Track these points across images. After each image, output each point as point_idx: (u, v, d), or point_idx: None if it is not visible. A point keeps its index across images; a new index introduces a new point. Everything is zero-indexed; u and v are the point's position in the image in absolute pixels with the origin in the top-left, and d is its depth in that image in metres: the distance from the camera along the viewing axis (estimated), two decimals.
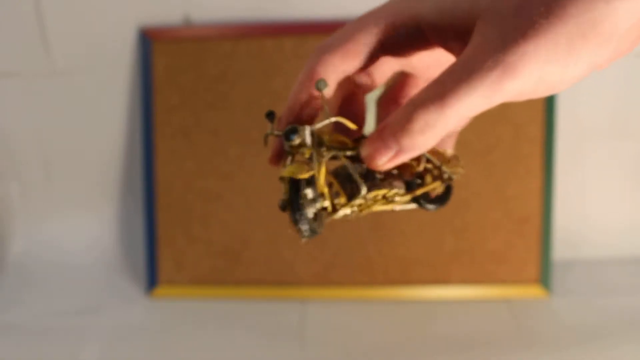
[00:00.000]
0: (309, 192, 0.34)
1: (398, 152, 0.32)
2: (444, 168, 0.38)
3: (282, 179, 0.34)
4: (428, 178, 0.39)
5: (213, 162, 0.80)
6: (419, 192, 0.39)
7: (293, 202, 0.34)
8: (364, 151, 0.34)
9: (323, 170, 0.35)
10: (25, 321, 0.76)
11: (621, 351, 0.66)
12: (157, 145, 0.80)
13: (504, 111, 0.77)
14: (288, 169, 0.34)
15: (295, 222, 0.34)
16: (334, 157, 0.36)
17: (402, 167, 0.39)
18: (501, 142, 0.77)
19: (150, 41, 0.80)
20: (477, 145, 0.77)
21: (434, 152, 0.39)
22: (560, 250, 0.81)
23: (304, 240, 0.34)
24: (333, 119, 0.34)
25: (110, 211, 0.88)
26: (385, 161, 0.33)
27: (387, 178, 0.38)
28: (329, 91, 0.35)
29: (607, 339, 0.68)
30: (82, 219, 0.88)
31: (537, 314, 0.74)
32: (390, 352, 0.68)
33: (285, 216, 0.34)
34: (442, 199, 0.40)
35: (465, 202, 0.78)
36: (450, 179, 0.39)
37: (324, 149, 0.35)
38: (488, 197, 0.78)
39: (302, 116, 0.36)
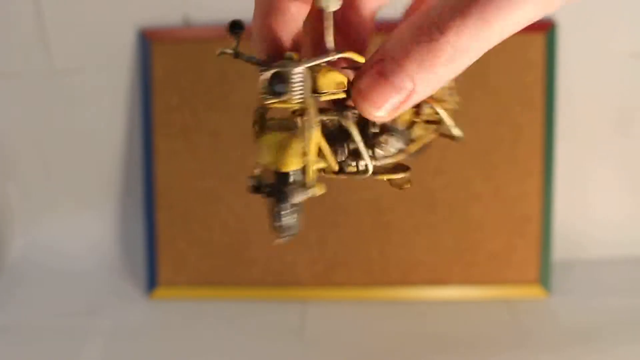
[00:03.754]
0: (298, 175, 0.25)
1: (411, 94, 0.22)
2: (439, 108, 0.28)
3: (258, 164, 0.26)
4: (418, 127, 0.28)
5: (213, 163, 0.80)
6: (414, 148, 0.28)
7: (279, 194, 0.25)
8: (359, 96, 0.23)
9: (317, 136, 0.25)
10: (25, 322, 0.75)
11: (621, 351, 0.66)
12: (156, 146, 0.80)
13: (504, 112, 0.77)
14: (266, 145, 0.25)
15: (278, 217, 0.26)
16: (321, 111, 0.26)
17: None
18: (501, 143, 0.77)
19: (149, 42, 0.79)
20: (477, 146, 0.77)
21: None
22: (560, 250, 0.81)
23: (282, 240, 0.27)
24: (336, 55, 0.24)
25: (110, 212, 0.88)
26: (389, 109, 0.23)
27: (383, 132, 0.27)
28: (337, 3, 0.23)
29: (606, 340, 0.68)
30: (82, 220, 0.88)
31: (537, 315, 0.74)
32: (390, 353, 0.68)
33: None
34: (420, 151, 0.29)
35: (465, 203, 0.78)
36: (452, 135, 0.29)
37: (317, 98, 0.25)
38: (488, 197, 0.78)
39: (283, 44, 0.25)
